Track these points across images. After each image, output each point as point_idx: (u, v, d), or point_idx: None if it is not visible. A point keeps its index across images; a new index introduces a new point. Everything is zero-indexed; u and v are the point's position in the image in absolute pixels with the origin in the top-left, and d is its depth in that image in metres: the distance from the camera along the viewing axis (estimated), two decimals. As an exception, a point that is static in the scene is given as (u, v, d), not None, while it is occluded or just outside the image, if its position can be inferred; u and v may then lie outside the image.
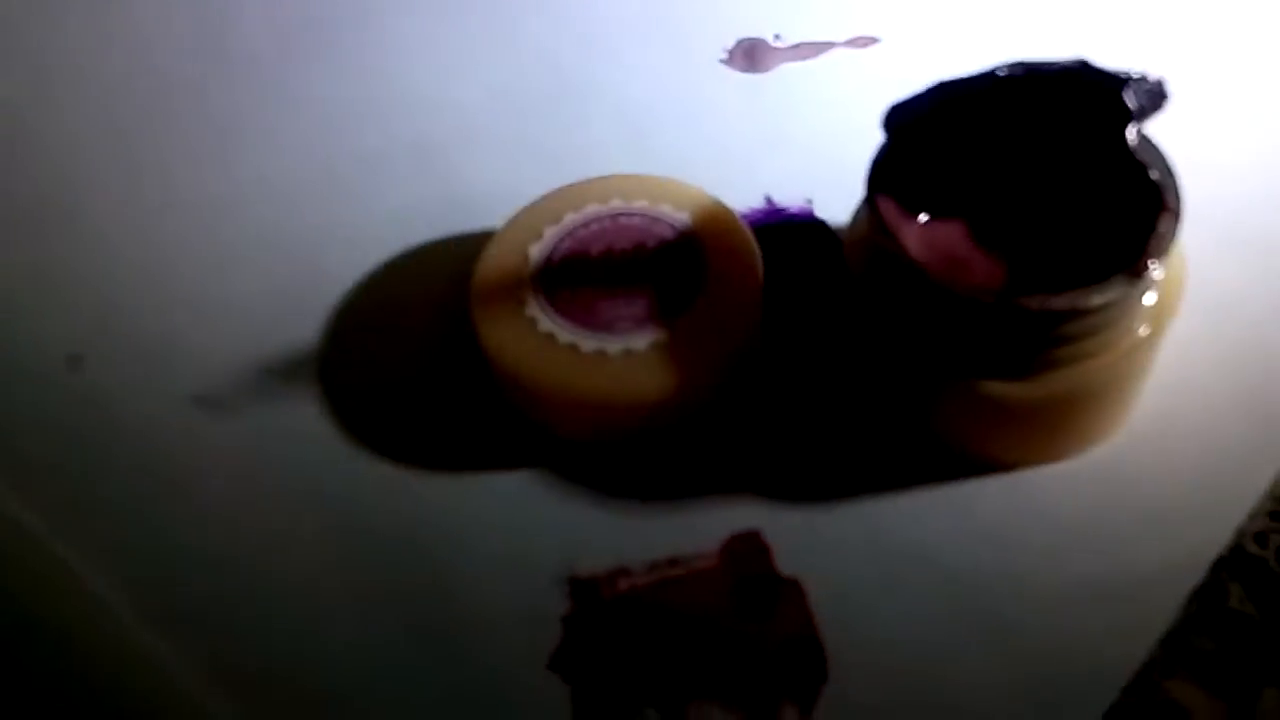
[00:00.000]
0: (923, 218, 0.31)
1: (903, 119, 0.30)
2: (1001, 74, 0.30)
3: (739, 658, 0.30)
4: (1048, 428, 0.31)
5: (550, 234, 0.35)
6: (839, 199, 0.39)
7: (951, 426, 0.32)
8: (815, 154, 0.40)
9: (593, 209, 0.35)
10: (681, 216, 0.35)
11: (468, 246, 0.37)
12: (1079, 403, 0.30)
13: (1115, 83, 0.29)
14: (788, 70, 0.43)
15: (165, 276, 0.38)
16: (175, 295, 0.38)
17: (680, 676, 0.30)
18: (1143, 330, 0.29)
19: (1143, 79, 0.29)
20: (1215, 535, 0.31)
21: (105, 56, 0.44)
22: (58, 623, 0.31)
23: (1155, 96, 0.29)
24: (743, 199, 0.39)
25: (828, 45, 0.44)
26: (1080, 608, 0.30)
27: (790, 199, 0.39)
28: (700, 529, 0.32)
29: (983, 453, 0.32)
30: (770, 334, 0.34)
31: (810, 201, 0.39)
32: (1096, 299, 0.28)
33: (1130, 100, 0.29)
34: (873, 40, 0.44)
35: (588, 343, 0.32)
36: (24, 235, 0.40)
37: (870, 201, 0.30)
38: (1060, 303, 0.28)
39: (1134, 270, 0.28)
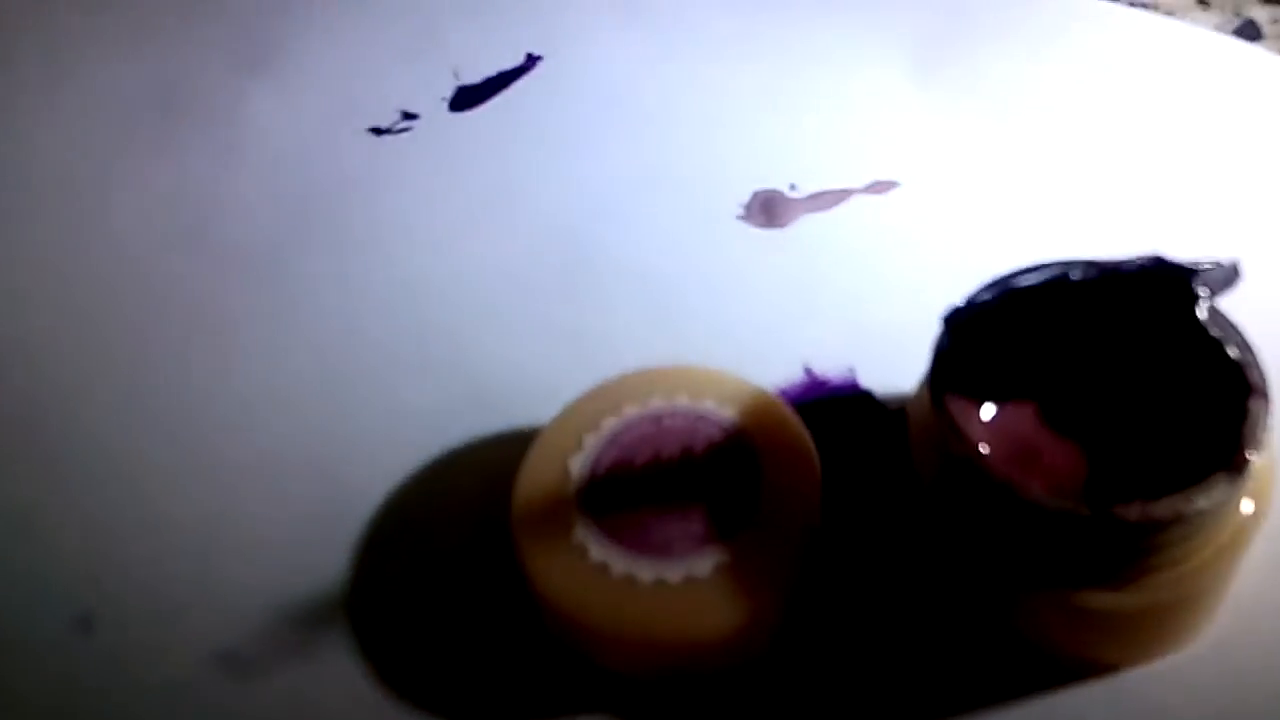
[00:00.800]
0: (989, 407, 0.29)
1: (965, 318, 0.29)
2: (1074, 276, 0.28)
3: None
4: (1148, 631, 0.29)
5: (590, 444, 0.32)
6: (880, 364, 0.37)
7: (1041, 634, 0.30)
8: (848, 312, 0.39)
9: (632, 412, 0.33)
10: (726, 413, 0.33)
11: (498, 449, 0.35)
12: (1181, 604, 0.28)
13: (1186, 273, 0.27)
14: (809, 222, 0.41)
15: (169, 514, 0.35)
16: (182, 535, 0.34)
17: None
18: (1246, 508, 0.28)
19: (1215, 266, 0.28)
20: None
21: (82, 259, 0.42)
22: None
23: (1227, 280, 0.28)
24: (779, 371, 0.37)
25: (846, 193, 0.42)
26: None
27: (829, 366, 0.37)
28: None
29: (1076, 656, 0.30)
30: (831, 530, 0.32)
31: (852, 370, 0.37)
32: (1200, 503, 0.26)
33: (1201, 288, 0.27)
34: (892, 184, 0.42)
35: (645, 571, 0.30)
36: (7, 475, 0.36)
37: (938, 403, 0.28)
38: (1161, 510, 0.26)
39: (1233, 466, 0.26)
